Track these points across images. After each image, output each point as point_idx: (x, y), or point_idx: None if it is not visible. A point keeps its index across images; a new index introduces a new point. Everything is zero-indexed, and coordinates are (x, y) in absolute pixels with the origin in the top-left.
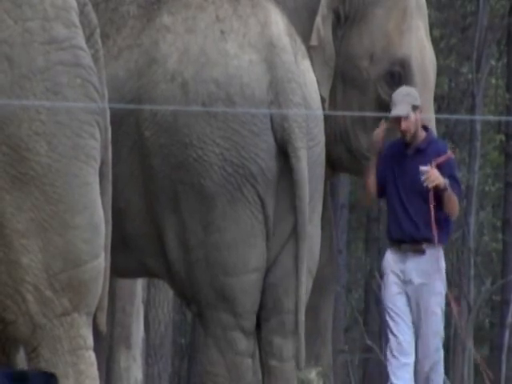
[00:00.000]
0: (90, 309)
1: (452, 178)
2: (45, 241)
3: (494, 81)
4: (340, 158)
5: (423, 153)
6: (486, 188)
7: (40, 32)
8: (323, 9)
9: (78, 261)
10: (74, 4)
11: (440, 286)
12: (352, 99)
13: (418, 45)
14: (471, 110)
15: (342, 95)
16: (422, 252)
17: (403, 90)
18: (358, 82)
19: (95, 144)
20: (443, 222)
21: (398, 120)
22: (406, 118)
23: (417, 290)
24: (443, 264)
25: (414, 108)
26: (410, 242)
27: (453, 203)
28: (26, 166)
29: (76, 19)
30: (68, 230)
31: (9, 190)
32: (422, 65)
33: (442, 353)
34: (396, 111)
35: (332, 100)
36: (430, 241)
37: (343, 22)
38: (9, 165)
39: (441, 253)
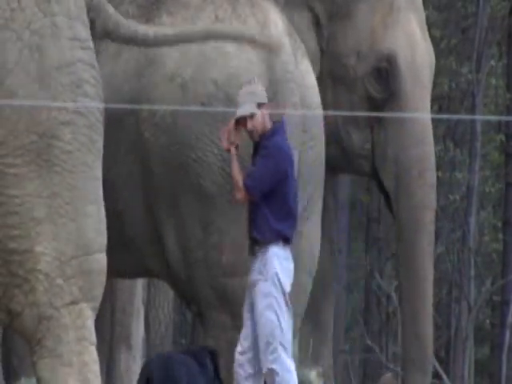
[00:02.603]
0: (95, 303)
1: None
2: (59, 227)
3: (494, 81)
4: (334, 158)
5: (258, 149)
6: (487, 188)
7: (66, 28)
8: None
9: (89, 249)
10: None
11: (266, 288)
12: (342, 98)
13: (408, 39)
14: (471, 110)
15: (331, 94)
16: (255, 252)
17: (247, 88)
18: (346, 80)
19: (101, 141)
20: (266, 219)
21: (244, 120)
22: (252, 117)
23: (251, 291)
24: (273, 264)
25: (260, 106)
26: (249, 243)
27: (232, 178)
28: (51, 153)
29: (88, 20)
30: (81, 217)
31: (32, 178)
32: (411, 60)
33: (277, 357)
34: (240, 111)
35: (322, 99)
36: (258, 241)
37: (326, 20)
38: (35, 153)
39: (270, 253)
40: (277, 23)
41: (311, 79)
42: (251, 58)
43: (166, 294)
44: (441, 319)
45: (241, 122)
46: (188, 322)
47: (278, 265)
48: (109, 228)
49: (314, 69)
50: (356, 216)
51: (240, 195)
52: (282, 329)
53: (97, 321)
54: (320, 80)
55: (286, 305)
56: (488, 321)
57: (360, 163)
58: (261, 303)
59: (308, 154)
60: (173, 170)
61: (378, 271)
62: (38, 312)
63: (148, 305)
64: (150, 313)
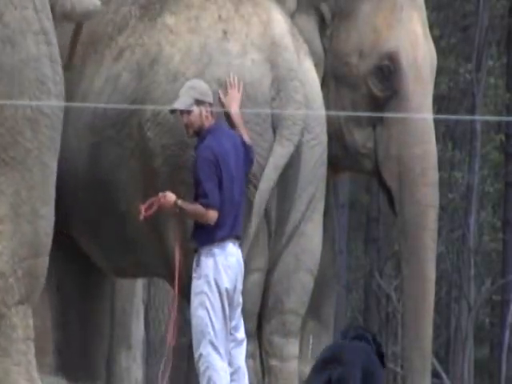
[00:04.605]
0: (33, 305)
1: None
2: (16, 227)
3: (492, 80)
4: (336, 157)
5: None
6: (486, 188)
7: (34, 21)
8: (292, 3)
9: (39, 251)
10: None
11: (198, 287)
12: (344, 96)
13: (410, 38)
14: (471, 109)
15: (334, 93)
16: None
17: (190, 82)
18: (348, 79)
19: (59, 140)
20: (203, 227)
21: (181, 113)
22: (189, 112)
23: None
24: (206, 263)
25: (199, 102)
26: None
27: (195, 215)
28: (16, 149)
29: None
30: (36, 219)
31: (4, 173)
32: (413, 58)
33: (202, 355)
34: (176, 104)
35: (325, 98)
36: (196, 247)
37: (330, 19)
38: (2, 148)
39: (201, 255)
40: (280, 23)
41: (314, 78)
42: (254, 57)
43: (166, 294)
44: (440, 319)
45: (179, 114)
46: (188, 321)
47: (212, 263)
48: (110, 229)
49: (319, 69)
50: (355, 216)
51: (210, 216)
52: (213, 327)
53: (97, 320)
54: (323, 78)
55: (226, 303)
56: (488, 320)
57: (362, 162)
58: (193, 301)
59: (310, 154)
60: (175, 170)
61: (378, 271)
62: None
63: (148, 305)
64: (149, 313)
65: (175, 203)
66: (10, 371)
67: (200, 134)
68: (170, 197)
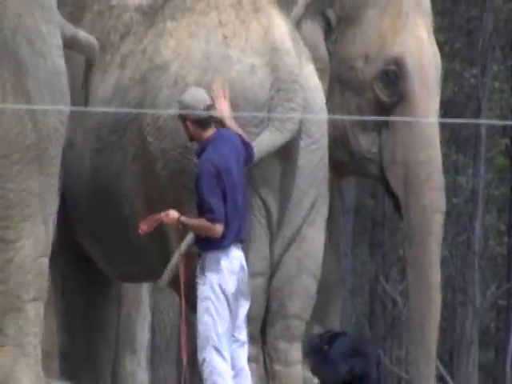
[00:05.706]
0: (43, 304)
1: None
2: (36, 226)
3: (497, 85)
4: (341, 162)
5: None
6: (491, 192)
7: (55, 35)
8: (300, 9)
9: (46, 251)
10: None
11: (203, 292)
12: (350, 101)
13: (415, 43)
14: (476, 114)
15: (339, 97)
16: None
17: (185, 93)
18: (354, 83)
19: None
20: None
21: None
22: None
23: None
24: (210, 268)
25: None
26: None
27: (200, 230)
28: (46, 155)
29: None
30: (48, 220)
31: (30, 176)
32: (419, 63)
33: (205, 360)
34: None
35: (330, 103)
36: (199, 253)
37: (336, 24)
38: (36, 153)
39: (205, 260)
40: (280, 27)
41: (316, 82)
42: (255, 62)
43: (171, 299)
44: (446, 323)
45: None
46: (193, 325)
47: (216, 268)
48: (114, 234)
49: (324, 74)
50: (361, 221)
51: (217, 230)
52: (216, 332)
53: (102, 325)
54: (328, 83)
55: (231, 306)
56: (493, 325)
57: (367, 166)
58: (199, 306)
59: (310, 158)
60: (175, 175)
61: (383, 275)
62: (7, 302)
63: (153, 309)
64: (154, 317)
65: (178, 220)
66: (20, 361)
67: (199, 141)
68: (173, 214)
